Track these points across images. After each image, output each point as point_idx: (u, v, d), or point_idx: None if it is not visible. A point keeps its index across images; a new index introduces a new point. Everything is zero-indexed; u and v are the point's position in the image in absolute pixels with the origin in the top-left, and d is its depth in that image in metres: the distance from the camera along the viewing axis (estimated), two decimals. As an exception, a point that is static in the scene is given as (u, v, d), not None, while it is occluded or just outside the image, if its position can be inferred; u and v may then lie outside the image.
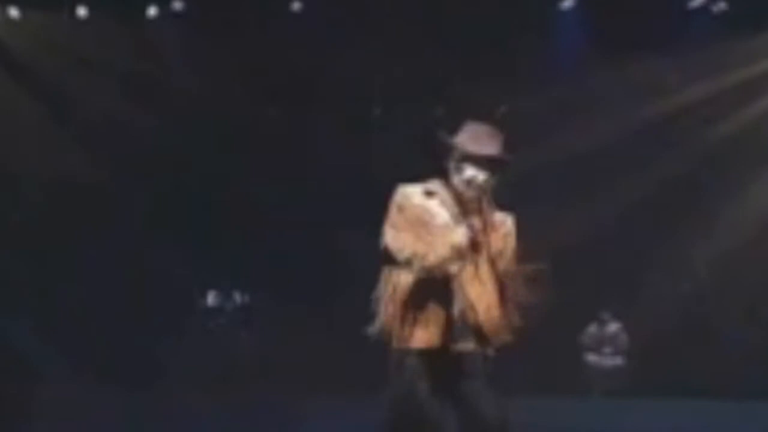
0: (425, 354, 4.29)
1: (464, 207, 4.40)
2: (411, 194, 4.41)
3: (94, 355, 11.13)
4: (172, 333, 11.93)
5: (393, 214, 4.39)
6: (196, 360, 11.59)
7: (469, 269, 4.30)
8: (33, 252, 11.71)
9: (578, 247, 11.44)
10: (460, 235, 4.28)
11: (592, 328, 12.31)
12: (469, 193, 4.32)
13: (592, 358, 12.24)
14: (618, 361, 12.13)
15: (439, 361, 4.28)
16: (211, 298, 12.70)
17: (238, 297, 12.67)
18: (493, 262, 4.33)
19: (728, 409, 9.35)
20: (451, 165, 4.40)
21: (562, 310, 11.20)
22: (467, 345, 4.30)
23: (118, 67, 11.70)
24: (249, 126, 12.08)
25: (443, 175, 4.49)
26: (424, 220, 4.35)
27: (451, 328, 4.28)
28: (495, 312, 4.32)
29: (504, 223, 4.46)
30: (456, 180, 4.39)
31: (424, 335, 4.29)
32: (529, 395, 9.80)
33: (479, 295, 4.30)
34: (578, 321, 12.09)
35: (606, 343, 12.20)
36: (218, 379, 11.08)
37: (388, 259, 4.42)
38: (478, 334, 4.30)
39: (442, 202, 4.39)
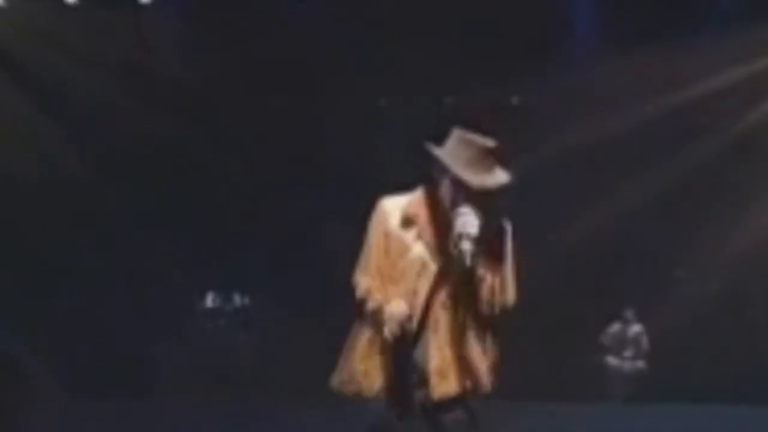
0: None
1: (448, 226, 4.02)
2: (389, 215, 4.14)
3: (87, 361, 10.99)
4: (170, 336, 11.79)
5: (369, 235, 4.17)
6: (194, 363, 11.49)
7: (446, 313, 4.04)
8: (19, 254, 11.49)
9: (599, 243, 11.31)
10: (397, 310, 4.01)
11: (613, 329, 12.05)
12: (454, 251, 3.95)
13: (612, 361, 11.99)
14: (640, 364, 11.89)
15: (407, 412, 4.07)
16: (210, 300, 12.60)
17: (237, 298, 12.58)
18: (478, 302, 4.04)
19: (760, 417, 9.10)
20: (441, 183, 4.09)
21: (580, 310, 11.79)
22: (442, 391, 4.03)
23: (109, 57, 11.36)
24: (249, 120, 11.84)
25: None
26: (395, 253, 4.11)
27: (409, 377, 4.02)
28: (472, 357, 4.05)
29: (500, 237, 4.11)
30: (445, 211, 4.06)
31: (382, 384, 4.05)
32: (543, 401, 9.80)
33: (453, 339, 4.05)
34: (597, 321, 11.89)
35: (627, 346, 11.95)
36: (217, 382, 10.96)
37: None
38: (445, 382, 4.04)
39: (420, 233, 4.09)
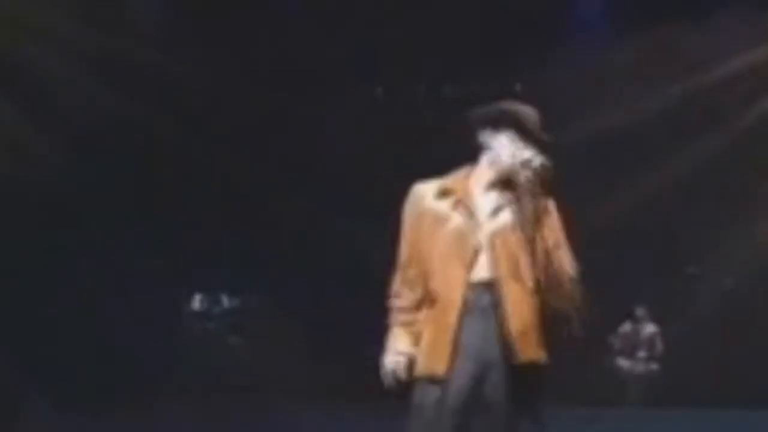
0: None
1: (497, 191, 4.09)
2: (423, 196, 4.12)
3: (66, 371, 10.59)
4: (155, 341, 11.45)
5: (404, 223, 4.16)
6: (182, 369, 11.40)
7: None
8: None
9: (607, 238, 11.04)
10: (389, 365, 4.03)
11: (625, 328, 11.80)
12: (525, 173, 4.02)
13: (623, 363, 11.73)
14: (653, 367, 11.64)
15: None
16: (198, 302, 12.48)
17: (226, 300, 12.47)
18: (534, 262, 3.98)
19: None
20: (498, 140, 4.09)
21: (591, 307, 11.34)
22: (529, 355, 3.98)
23: (81, 40, 10.76)
24: (239, 110, 11.56)
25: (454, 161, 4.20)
26: (431, 228, 4.06)
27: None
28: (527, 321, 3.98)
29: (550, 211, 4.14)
30: (503, 155, 4.08)
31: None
32: (550, 405, 9.17)
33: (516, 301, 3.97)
34: (609, 320, 11.50)
35: (640, 347, 11.68)
36: (206, 388, 10.86)
37: None
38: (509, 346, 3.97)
39: (458, 203, 4.05)
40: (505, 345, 3.91)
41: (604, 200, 11.31)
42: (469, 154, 4.19)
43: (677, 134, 11.39)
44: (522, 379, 3.92)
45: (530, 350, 3.93)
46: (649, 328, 11.67)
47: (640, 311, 11.64)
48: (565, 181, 11.38)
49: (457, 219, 4.03)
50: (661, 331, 11.64)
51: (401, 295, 4.07)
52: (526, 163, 4.00)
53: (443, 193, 4.08)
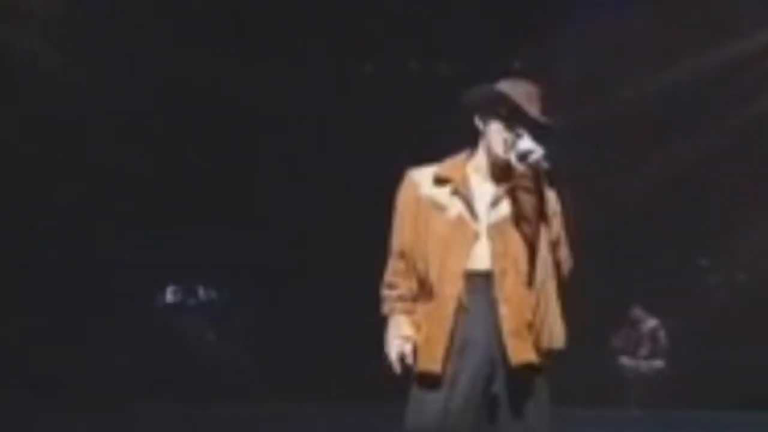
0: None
1: (496, 180, 4.05)
2: (419, 182, 4.09)
3: (31, 369, 10.51)
4: (124, 336, 11.33)
5: (397, 210, 4.12)
6: (153, 367, 11.12)
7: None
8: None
9: (613, 228, 10.99)
10: (394, 347, 3.98)
11: (626, 326, 11.71)
12: (519, 168, 3.96)
13: (627, 361, 11.61)
14: (657, 364, 11.52)
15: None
16: (171, 294, 12.31)
17: (202, 292, 12.29)
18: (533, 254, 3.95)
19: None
20: (492, 126, 4.03)
21: (591, 305, 10.66)
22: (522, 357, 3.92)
23: (46, 13, 10.56)
24: (218, 87, 11.26)
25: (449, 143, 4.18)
26: (427, 216, 4.02)
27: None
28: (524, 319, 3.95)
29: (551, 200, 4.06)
30: (496, 146, 4.02)
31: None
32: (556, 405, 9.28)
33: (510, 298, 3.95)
34: (610, 317, 11.47)
35: (642, 344, 11.56)
36: (180, 387, 10.54)
37: None
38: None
39: (457, 189, 4.03)
40: (502, 343, 3.89)
41: (611, 187, 11.21)
42: (469, 137, 4.12)
43: (690, 117, 11.28)
44: (518, 383, 3.88)
45: (524, 352, 3.87)
46: (650, 323, 11.58)
47: (635, 312, 11.57)
48: (569, 167, 11.07)
49: (456, 207, 4.00)
50: (668, 326, 11.55)
51: (397, 284, 4.04)
52: (522, 157, 3.93)
53: (440, 181, 4.06)
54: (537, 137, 3.92)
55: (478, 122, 4.03)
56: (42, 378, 10.28)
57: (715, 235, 11.64)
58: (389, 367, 3.94)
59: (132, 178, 11.20)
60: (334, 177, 11.11)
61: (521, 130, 3.92)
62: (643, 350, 11.52)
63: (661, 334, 11.51)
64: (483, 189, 4.02)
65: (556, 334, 3.93)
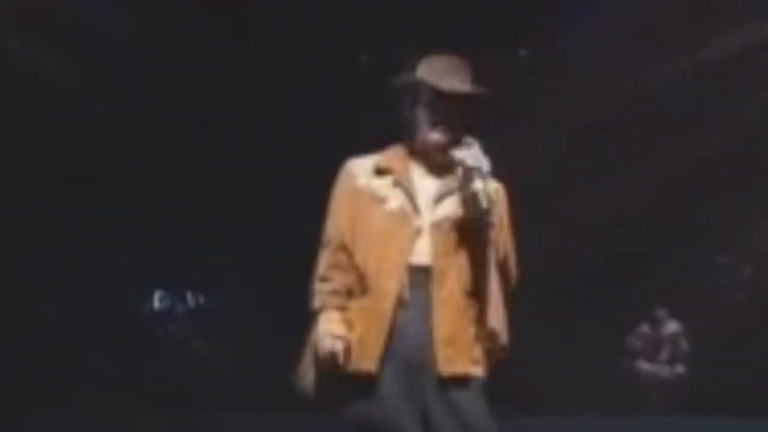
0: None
1: (437, 175, 4.06)
2: (357, 174, 4.09)
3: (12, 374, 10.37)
4: (106, 345, 11.09)
5: (333, 201, 4.12)
6: (138, 378, 10.90)
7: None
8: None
9: (628, 222, 10.85)
10: (324, 345, 3.92)
11: (645, 328, 11.51)
12: (437, 158, 3.99)
13: (644, 366, 11.39)
14: (678, 370, 11.33)
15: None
16: (158, 300, 12.18)
17: (190, 298, 12.17)
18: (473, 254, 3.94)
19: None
20: (420, 115, 4.03)
21: (605, 305, 11.18)
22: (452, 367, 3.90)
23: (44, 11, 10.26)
24: (208, 79, 11.01)
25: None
26: (367, 209, 4.01)
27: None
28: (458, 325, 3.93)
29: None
30: (428, 141, 4.03)
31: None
32: (566, 413, 9.68)
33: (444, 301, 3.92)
34: (626, 319, 11.38)
35: (662, 348, 11.38)
36: (166, 399, 10.47)
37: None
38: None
39: (398, 180, 4.02)
40: (433, 349, 3.87)
41: (621, 182, 11.08)
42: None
43: (705, 109, 11.03)
44: (451, 396, 3.84)
45: (455, 362, 3.85)
46: (671, 327, 11.43)
47: (661, 312, 11.39)
48: (575, 163, 10.82)
49: (396, 199, 3.99)
50: (685, 330, 11.39)
51: (332, 278, 3.99)
52: (464, 186, 3.87)
53: (380, 171, 4.05)
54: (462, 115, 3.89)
55: (407, 113, 4.01)
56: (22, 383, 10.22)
57: (733, 232, 11.49)
58: (321, 363, 3.89)
59: (118, 178, 11.09)
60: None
61: (438, 107, 3.92)
62: (663, 354, 11.35)
63: (683, 340, 11.37)
64: (425, 183, 4.01)
65: (499, 343, 3.93)
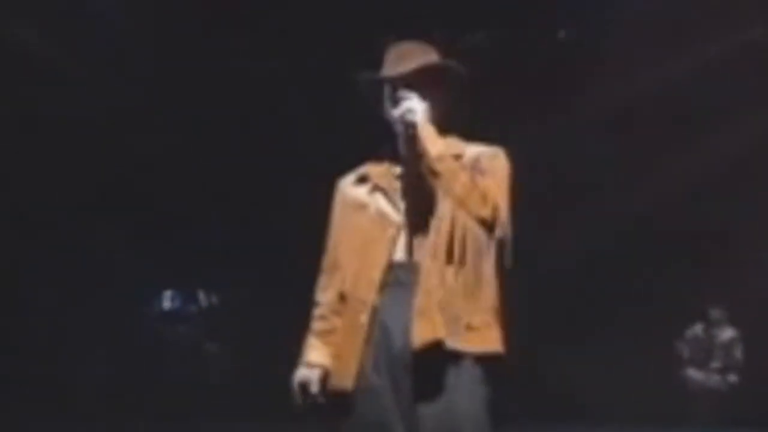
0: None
1: (406, 173, 4.02)
2: (344, 188, 4.16)
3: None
4: (114, 346, 11.06)
5: (331, 219, 4.17)
6: (148, 381, 10.78)
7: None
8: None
9: (661, 218, 10.46)
10: (296, 376, 3.95)
11: (695, 332, 11.14)
12: (405, 133, 3.89)
13: (694, 374, 11.04)
14: (732, 379, 10.96)
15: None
16: (168, 300, 11.96)
17: (202, 298, 11.96)
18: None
19: None
20: (386, 109, 4.00)
21: (651, 306, 10.80)
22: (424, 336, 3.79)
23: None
24: (213, 74, 10.75)
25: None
26: (351, 217, 4.04)
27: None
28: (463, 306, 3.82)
29: (482, 159, 3.97)
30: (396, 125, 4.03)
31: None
32: (606, 421, 9.57)
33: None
34: (675, 321, 10.99)
35: (715, 355, 11.01)
36: (177, 404, 10.30)
37: None
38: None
39: (375, 186, 4.05)
40: (409, 329, 3.79)
41: (659, 172, 10.69)
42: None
43: (747, 96, 10.55)
44: (431, 366, 3.71)
45: (428, 330, 3.72)
46: (727, 333, 11.06)
47: (715, 313, 11.02)
48: (617, 149, 10.49)
49: (375, 202, 4.01)
50: (741, 336, 11.03)
51: (320, 301, 4.04)
52: (398, 122, 3.87)
53: (360, 180, 4.10)
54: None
55: (381, 113, 4.00)
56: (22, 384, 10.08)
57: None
58: (295, 394, 3.91)
59: (127, 175, 10.96)
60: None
61: (404, 92, 3.85)
62: (716, 363, 11.00)
63: (738, 348, 11.01)
64: (401, 180, 4.02)
65: (486, 312, 3.81)
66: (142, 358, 11.19)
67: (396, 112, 3.82)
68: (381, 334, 3.80)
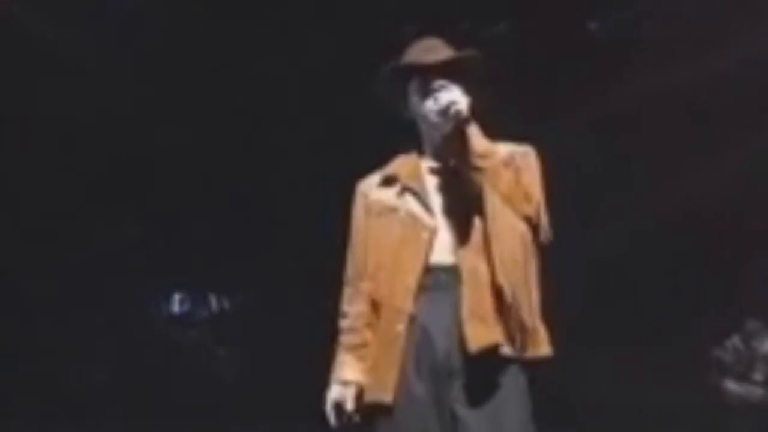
0: None
1: (443, 170, 3.93)
2: (367, 191, 4.06)
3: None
4: (121, 352, 10.88)
5: (352, 227, 4.08)
6: (155, 388, 10.64)
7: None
8: None
9: (704, 216, 10.05)
10: (331, 395, 3.92)
11: (735, 342, 10.90)
12: (446, 128, 3.79)
13: (733, 386, 10.80)
14: None
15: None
16: (178, 304, 11.70)
17: (213, 302, 11.71)
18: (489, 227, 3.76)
19: None
20: (413, 103, 3.91)
21: (687, 312, 10.50)
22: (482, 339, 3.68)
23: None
24: (232, 80, 10.56)
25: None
26: (378, 222, 3.93)
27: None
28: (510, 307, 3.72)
29: (515, 157, 3.85)
30: (426, 125, 3.91)
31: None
32: None
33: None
34: (713, 330, 10.76)
35: (756, 367, 10.79)
36: (187, 412, 10.20)
37: None
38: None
39: (404, 187, 3.92)
40: (461, 337, 3.70)
41: (704, 166, 10.23)
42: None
43: None
44: (482, 373, 3.68)
45: (485, 334, 3.67)
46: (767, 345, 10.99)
47: (752, 324, 10.82)
48: (651, 146, 10.17)
49: (405, 204, 3.93)
50: None
51: (349, 313, 3.98)
52: (443, 112, 3.78)
53: (387, 182, 4.03)
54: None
55: (403, 110, 3.97)
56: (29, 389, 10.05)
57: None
58: (329, 413, 3.88)
59: (137, 173, 10.71)
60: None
61: (441, 82, 3.78)
62: (758, 375, 10.78)
63: None
64: (433, 178, 3.95)
65: (536, 316, 3.80)
66: (150, 362, 10.96)
67: (439, 103, 3.72)
68: (423, 341, 3.71)
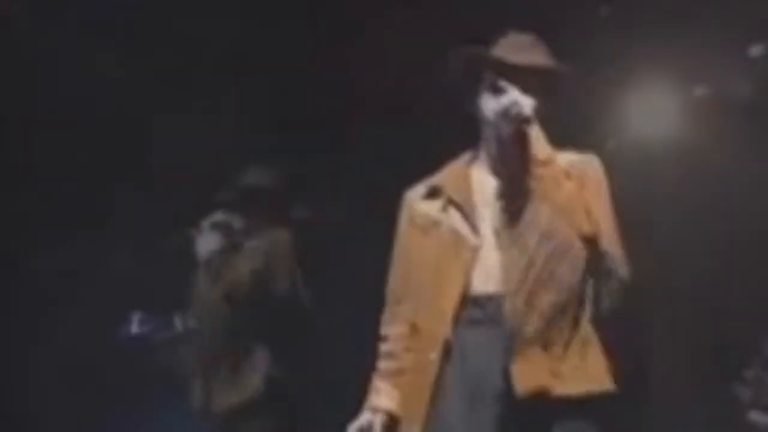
0: None
1: (503, 177, 3.67)
2: (411, 203, 3.88)
3: None
4: (74, 378, 10.46)
5: (396, 238, 3.91)
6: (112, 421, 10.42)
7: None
8: None
9: (736, 238, 9.62)
10: (358, 421, 3.77)
11: (754, 372, 10.25)
12: (507, 130, 3.60)
13: (759, 417, 10.10)
14: None
15: None
16: (137, 324, 10.96)
17: (178, 321, 10.74)
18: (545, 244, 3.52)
19: None
20: (479, 100, 3.71)
21: (708, 340, 10.28)
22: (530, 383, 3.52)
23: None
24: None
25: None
26: (420, 236, 3.74)
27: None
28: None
29: (576, 167, 3.64)
30: (486, 125, 3.72)
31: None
32: None
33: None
34: (733, 357, 10.16)
35: None
36: None
37: None
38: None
39: (449, 200, 3.74)
40: (506, 373, 3.48)
41: (727, 190, 9.82)
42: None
43: None
44: (534, 423, 3.43)
45: (532, 376, 3.42)
46: None
47: None
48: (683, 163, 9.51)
49: (448, 220, 3.73)
50: None
51: (387, 336, 3.84)
52: (503, 115, 3.58)
53: (432, 193, 3.85)
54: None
55: (468, 101, 3.77)
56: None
57: None
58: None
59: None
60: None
61: (502, 82, 3.61)
62: None
63: None
64: (485, 188, 3.75)
65: (594, 361, 3.56)
66: (107, 391, 10.55)
67: (501, 103, 3.55)
68: (476, 382, 3.52)
